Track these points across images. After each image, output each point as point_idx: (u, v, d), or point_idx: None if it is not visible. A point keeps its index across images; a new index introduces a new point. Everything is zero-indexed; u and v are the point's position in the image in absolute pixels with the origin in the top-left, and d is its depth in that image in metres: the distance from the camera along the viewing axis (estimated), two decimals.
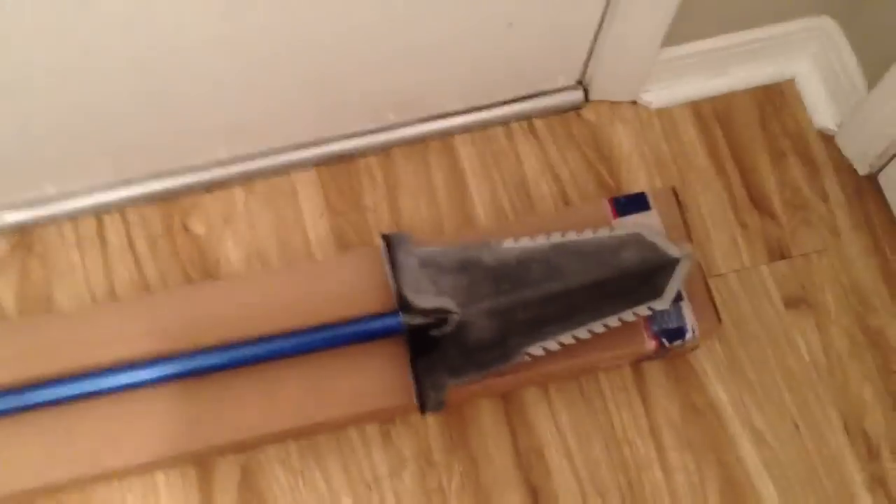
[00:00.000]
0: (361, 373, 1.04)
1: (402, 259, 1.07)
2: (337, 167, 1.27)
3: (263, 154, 1.24)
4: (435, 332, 1.04)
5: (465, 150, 1.29)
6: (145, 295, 1.18)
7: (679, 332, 1.07)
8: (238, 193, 1.25)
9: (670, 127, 1.32)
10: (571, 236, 1.07)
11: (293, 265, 1.21)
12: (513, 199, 1.27)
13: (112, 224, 1.23)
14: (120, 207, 1.23)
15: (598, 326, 1.02)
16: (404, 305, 1.04)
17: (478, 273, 1.06)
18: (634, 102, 1.33)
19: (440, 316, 1.03)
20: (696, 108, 1.33)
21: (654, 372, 1.18)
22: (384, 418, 1.14)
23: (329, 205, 1.25)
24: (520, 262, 1.06)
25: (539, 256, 1.06)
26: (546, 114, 1.31)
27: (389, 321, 1.02)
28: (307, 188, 1.26)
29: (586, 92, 1.31)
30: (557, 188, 1.27)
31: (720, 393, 1.18)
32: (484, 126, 1.30)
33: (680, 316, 1.08)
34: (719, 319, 1.08)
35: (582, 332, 1.02)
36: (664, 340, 1.07)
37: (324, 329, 1.03)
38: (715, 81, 1.33)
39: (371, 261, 1.08)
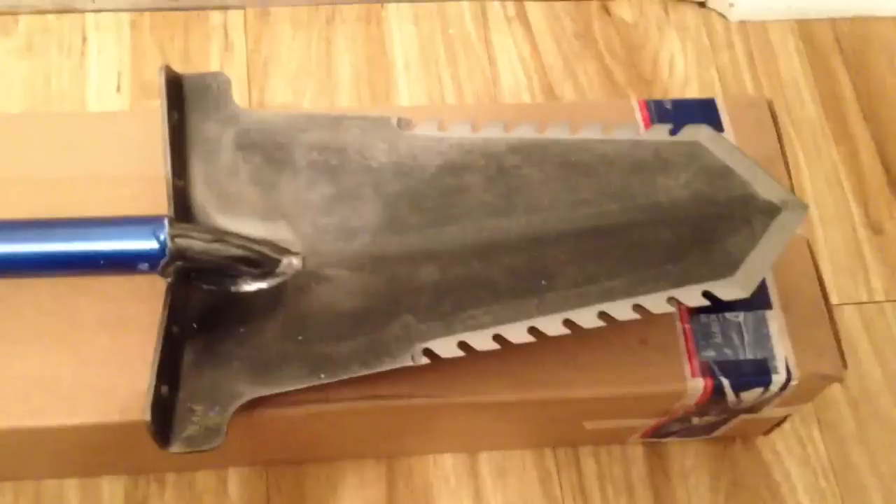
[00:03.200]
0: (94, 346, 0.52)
1: (204, 126, 0.56)
2: (169, 17, 0.77)
3: None
4: (241, 288, 0.52)
5: (403, 30, 0.79)
6: None
7: (759, 372, 0.54)
8: None
9: (762, 51, 0.82)
10: (557, 133, 0.56)
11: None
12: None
13: None
14: None
15: (586, 315, 0.50)
16: (184, 215, 0.53)
17: (356, 180, 0.55)
18: (703, 4, 0.83)
19: (260, 255, 0.52)
20: (809, 29, 0.83)
21: (689, 465, 0.64)
22: (130, 463, 0.60)
23: (137, 75, 0.74)
24: (444, 170, 0.55)
25: (484, 163, 0.55)
26: None
27: (134, 237, 0.50)
28: (106, 40, 0.75)
29: None
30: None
31: None
32: None
33: (762, 337, 0.55)
34: (844, 363, 0.55)
35: (549, 323, 0.49)
36: (723, 380, 0.54)
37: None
38: None
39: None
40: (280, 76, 0.75)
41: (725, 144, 0.54)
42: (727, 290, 0.50)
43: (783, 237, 0.51)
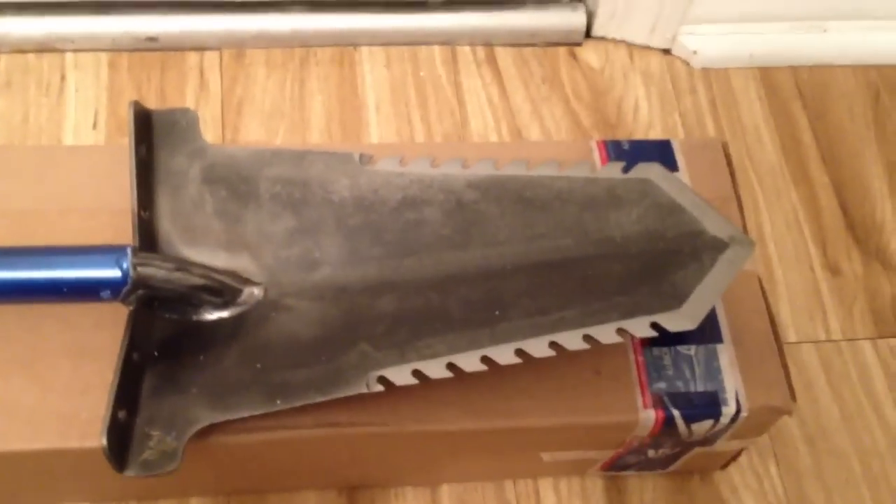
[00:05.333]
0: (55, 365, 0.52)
1: (171, 160, 0.57)
2: (146, 57, 0.79)
3: (17, 8, 0.77)
4: (203, 316, 0.53)
5: (375, 72, 0.81)
6: None
7: (709, 404, 0.55)
8: None
9: (724, 97, 0.84)
10: (514, 170, 0.57)
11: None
12: None
13: None
14: None
15: (537, 345, 0.51)
16: (149, 246, 0.54)
17: (319, 213, 0.56)
18: (668, 51, 0.86)
19: (222, 285, 0.53)
20: (770, 76, 0.86)
21: (648, 499, 0.65)
22: (92, 490, 0.61)
23: (113, 113, 0.76)
24: (404, 204, 0.56)
25: (443, 198, 0.57)
26: (519, 41, 0.84)
27: (97, 265, 0.51)
28: (85, 79, 0.77)
29: (589, 20, 0.84)
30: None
31: None
32: (412, 39, 0.83)
33: (713, 370, 0.56)
34: (793, 395, 0.56)
35: (501, 352, 0.51)
36: (674, 411, 0.55)
37: None
38: (804, 39, 0.86)
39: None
40: (253, 116, 0.77)
41: (676, 182, 0.56)
42: (674, 321, 0.51)
43: (730, 272, 0.53)
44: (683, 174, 0.63)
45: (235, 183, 0.57)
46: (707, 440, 0.58)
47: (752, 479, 0.66)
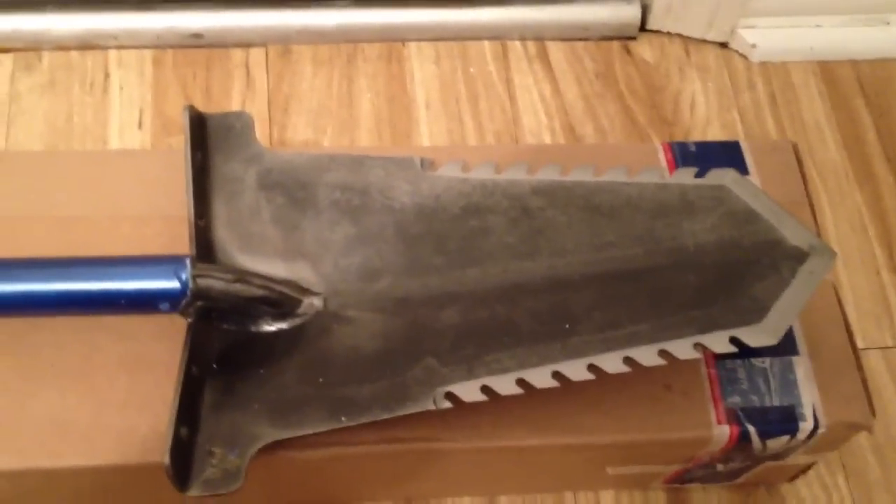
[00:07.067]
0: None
1: (227, 166, 0.55)
2: (190, 54, 0.77)
3: (59, 4, 0.75)
4: (262, 328, 0.52)
5: (424, 69, 0.79)
6: None
7: (786, 419, 0.53)
8: (2, 66, 0.75)
9: (783, 92, 0.82)
10: (581, 175, 0.55)
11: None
12: None
13: None
14: None
15: (611, 360, 0.49)
16: (205, 255, 0.52)
17: (379, 220, 0.54)
18: (725, 45, 0.83)
19: (281, 296, 0.51)
20: (830, 71, 0.83)
21: None
22: None
23: (159, 112, 0.74)
24: (468, 211, 0.55)
25: (507, 205, 0.55)
26: (571, 35, 0.82)
27: (155, 277, 0.50)
28: (129, 77, 0.76)
29: (644, 14, 0.82)
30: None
31: None
32: (461, 34, 0.81)
33: (789, 384, 0.54)
34: (872, 410, 0.54)
35: (574, 368, 0.49)
36: (749, 427, 0.53)
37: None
38: (866, 32, 0.84)
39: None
40: (301, 114, 0.76)
41: (752, 188, 0.54)
42: (755, 336, 0.49)
43: (811, 283, 0.51)
44: (754, 177, 0.60)
45: (293, 189, 0.55)
46: (779, 455, 0.56)
47: (821, 492, 0.64)
